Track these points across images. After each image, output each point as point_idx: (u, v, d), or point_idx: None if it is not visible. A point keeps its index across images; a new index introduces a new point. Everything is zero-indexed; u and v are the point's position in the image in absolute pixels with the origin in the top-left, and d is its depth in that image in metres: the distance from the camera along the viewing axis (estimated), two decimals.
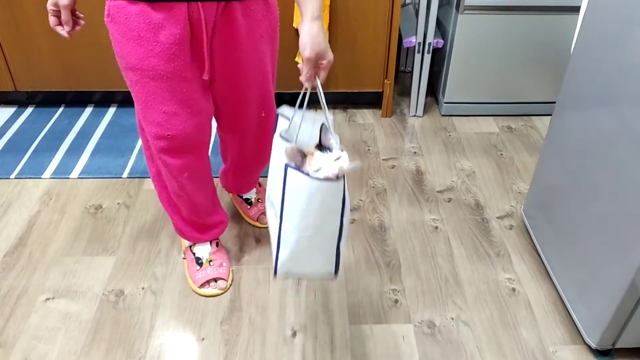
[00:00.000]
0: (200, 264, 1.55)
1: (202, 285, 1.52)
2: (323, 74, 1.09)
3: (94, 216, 1.80)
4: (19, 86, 2.26)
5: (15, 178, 1.96)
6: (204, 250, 1.57)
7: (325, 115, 1.04)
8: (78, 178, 1.97)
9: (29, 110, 2.36)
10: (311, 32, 1.05)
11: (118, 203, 1.85)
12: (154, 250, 1.67)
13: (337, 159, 1.00)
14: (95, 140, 2.17)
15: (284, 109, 1.12)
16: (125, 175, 1.98)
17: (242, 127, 1.45)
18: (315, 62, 1.07)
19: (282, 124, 1.12)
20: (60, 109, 2.36)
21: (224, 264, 1.57)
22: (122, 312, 1.48)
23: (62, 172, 1.99)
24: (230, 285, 1.55)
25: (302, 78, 1.08)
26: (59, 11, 1.18)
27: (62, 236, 1.72)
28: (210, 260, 1.55)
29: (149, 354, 1.38)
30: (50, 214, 1.80)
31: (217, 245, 1.59)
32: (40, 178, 1.96)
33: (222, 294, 1.53)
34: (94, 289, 1.55)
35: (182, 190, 1.39)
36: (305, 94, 1.07)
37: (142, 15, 1.12)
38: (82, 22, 1.22)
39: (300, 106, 1.06)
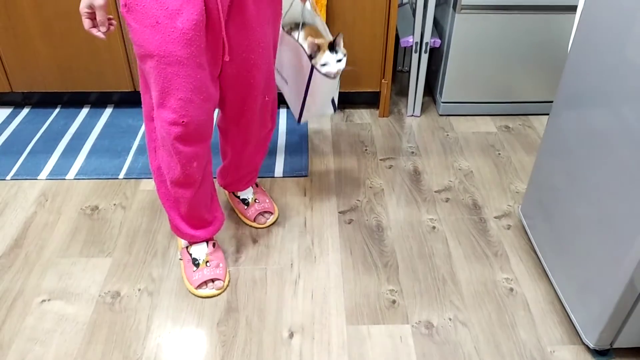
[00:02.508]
0: (197, 265, 1.54)
1: (199, 286, 1.52)
2: None
3: (90, 217, 1.79)
4: (14, 87, 2.25)
5: (11, 179, 1.95)
6: (200, 250, 1.56)
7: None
8: (74, 179, 1.96)
9: (25, 111, 2.35)
10: None
11: (114, 204, 1.85)
12: (150, 251, 1.66)
13: (339, 60, 1.47)
14: (92, 141, 2.16)
15: None
16: (121, 176, 1.97)
17: (248, 115, 1.48)
18: None
19: None
20: (57, 110, 2.36)
21: (221, 265, 1.56)
22: (119, 314, 1.47)
23: (58, 173, 1.98)
24: (227, 285, 1.55)
25: None
26: (93, 13, 1.19)
27: (58, 237, 1.71)
28: (207, 261, 1.54)
29: (145, 355, 1.37)
30: (46, 215, 1.79)
31: (213, 245, 1.58)
32: (36, 179, 1.95)
33: (219, 294, 1.52)
34: (90, 290, 1.54)
35: (189, 179, 1.39)
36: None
37: (159, 2, 1.15)
38: (114, 21, 1.24)
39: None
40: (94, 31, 1.22)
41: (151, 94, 1.30)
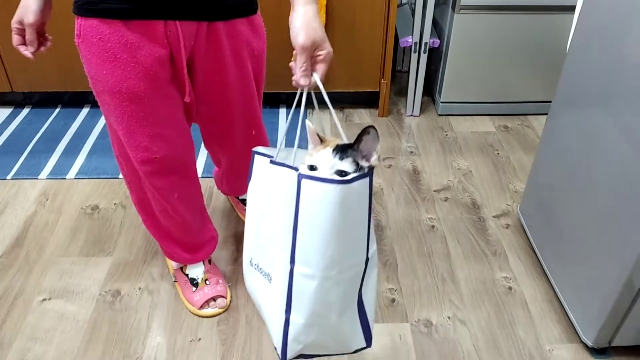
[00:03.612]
0: (196, 285, 1.48)
1: (201, 307, 1.46)
2: (322, 68, 0.91)
3: (91, 217, 1.80)
4: (15, 87, 2.26)
5: (11, 179, 1.96)
6: (197, 269, 1.50)
7: (333, 117, 0.85)
8: (74, 178, 1.96)
9: (26, 110, 2.36)
10: (306, 17, 0.89)
11: (114, 203, 1.85)
12: (150, 250, 1.67)
13: (343, 173, 0.81)
14: (92, 140, 2.17)
15: (260, 149, 0.95)
16: (121, 175, 1.97)
17: (229, 143, 1.40)
18: (311, 53, 0.89)
19: (260, 162, 0.93)
20: (57, 110, 2.36)
21: (221, 281, 1.50)
22: (119, 313, 1.48)
23: (59, 172, 1.99)
24: (230, 302, 1.51)
25: (297, 75, 0.89)
26: (24, 30, 1.11)
27: (59, 237, 1.71)
28: (206, 279, 1.49)
29: (145, 354, 1.37)
30: (46, 215, 1.80)
31: (209, 262, 1.53)
32: (37, 179, 1.96)
33: (223, 312, 1.47)
34: (90, 289, 1.54)
35: (174, 211, 1.33)
36: (301, 95, 0.89)
37: (117, 34, 1.04)
38: (49, 43, 1.16)
39: (297, 106, 0.88)
40: (22, 49, 1.12)
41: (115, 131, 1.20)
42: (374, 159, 0.82)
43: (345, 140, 0.87)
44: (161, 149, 1.19)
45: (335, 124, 0.91)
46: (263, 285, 0.92)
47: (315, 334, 0.83)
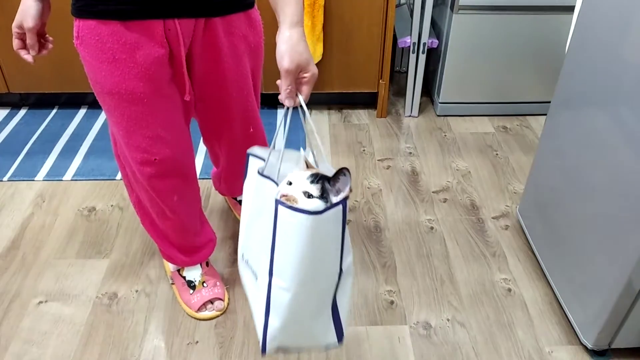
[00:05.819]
0: (193, 287, 1.47)
1: (199, 309, 1.45)
2: (306, 90, 0.94)
3: (88, 218, 1.79)
4: (12, 88, 2.25)
5: (8, 180, 1.95)
6: (194, 272, 1.49)
7: (316, 137, 0.93)
8: (71, 180, 1.95)
9: (22, 112, 2.35)
10: (290, 41, 0.93)
11: (111, 205, 1.84)
12: (147, 252, 1.66)
13: (310, 196, 0.85)
14: (89, 142, 2.16)
15: (254, 149, 1.01)
16: (118, 177, 1.97)
17: (228, 139, 1.39)
18: (296, 76, 0.93)
19: (254, 164, 1.00)
20: (54, 111, 2.35)
21: (218, 283, 1.50)
22: (116, 315, 1.47)
23: (56, 174, 1.98)
24: (228, 305, 1.50)
25: (282, 96, 0.93)
26: (25, 34, 1.10)
27: (55, 239, 1.70)
28: (203, 282, 1.48)
29: (142, 356, 1.37)
30: (43, 217, 1.79)
31: (207, 264, 1.52)
32: (34, 180, 1.95)
33: (220, 315, 1.47)
34: (87, 291, 1.53)
35: (173, 214, 1.32)
36: (287, 112, 0.93)
37: (116, 35, 1.04)
38: (50, 45, 1.15)
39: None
40: (22, 53, 1.12)
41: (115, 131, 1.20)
42: (342, 195, 0.86)
43: (329, 167, 0.92)
44: (161, 151, 1.19)
45: (322, 151, 0.97)
46: (251, 281, 0.98)
47: (290, 334, 0.91)
